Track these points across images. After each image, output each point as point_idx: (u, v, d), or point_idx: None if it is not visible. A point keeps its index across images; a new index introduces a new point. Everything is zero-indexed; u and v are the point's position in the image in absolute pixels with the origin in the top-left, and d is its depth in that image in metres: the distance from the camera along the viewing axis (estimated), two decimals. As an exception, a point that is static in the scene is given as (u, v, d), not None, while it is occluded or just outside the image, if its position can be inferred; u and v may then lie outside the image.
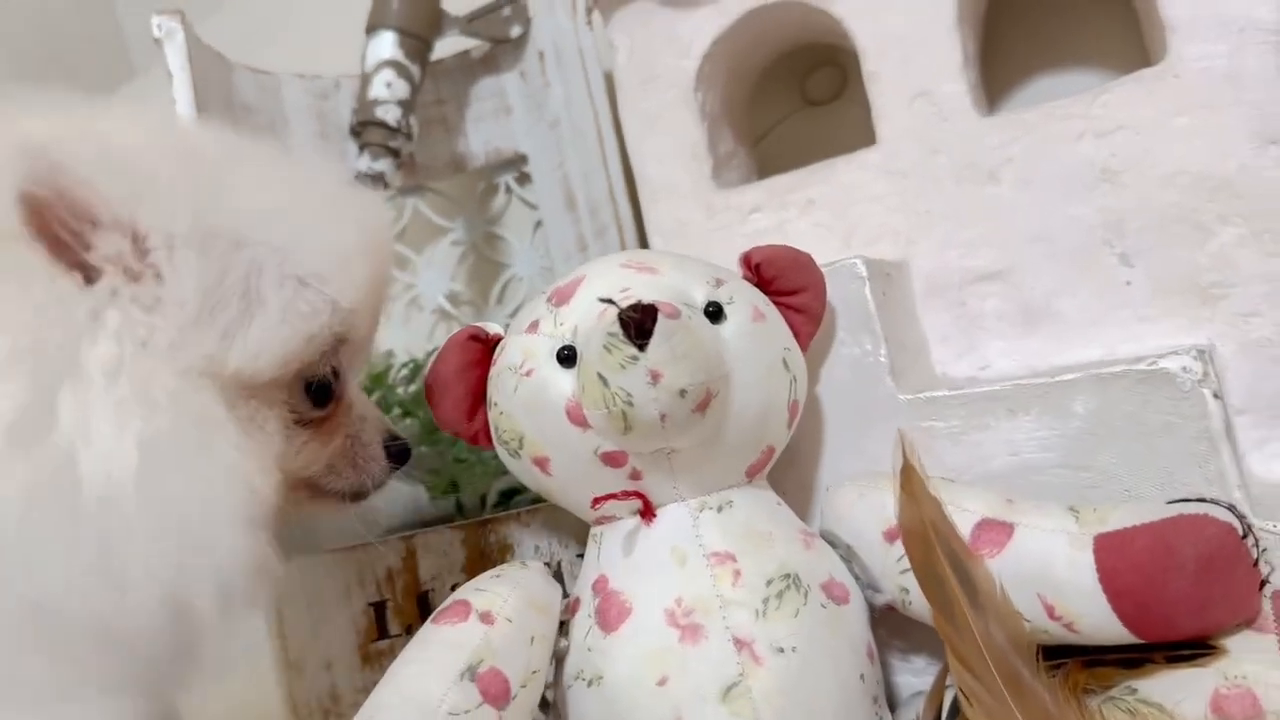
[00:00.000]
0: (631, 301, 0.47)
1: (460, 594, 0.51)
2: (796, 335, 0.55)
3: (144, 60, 1.39)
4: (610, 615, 0.50)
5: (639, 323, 0.45)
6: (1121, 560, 0.43)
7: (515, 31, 0.90)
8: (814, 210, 0.68)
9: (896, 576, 0.50)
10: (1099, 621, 0.43)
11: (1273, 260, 0.56)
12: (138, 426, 0.40)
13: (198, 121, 0.72)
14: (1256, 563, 0.43)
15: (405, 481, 0.66)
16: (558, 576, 0.55)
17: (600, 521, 0.53)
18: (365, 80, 0.84)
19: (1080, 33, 0.67)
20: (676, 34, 0.72)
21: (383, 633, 0.69)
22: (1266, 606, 0.43)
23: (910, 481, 0.44)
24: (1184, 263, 0.58)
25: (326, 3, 0.99)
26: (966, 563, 0.43)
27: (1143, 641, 0.43)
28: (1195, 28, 0.57)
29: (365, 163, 0.83)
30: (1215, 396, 0.50)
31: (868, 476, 0.53)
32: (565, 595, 0.54)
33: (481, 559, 0.67)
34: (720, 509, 0.51)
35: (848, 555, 0.53)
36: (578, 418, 0.49)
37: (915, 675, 0.56)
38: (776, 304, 0.55)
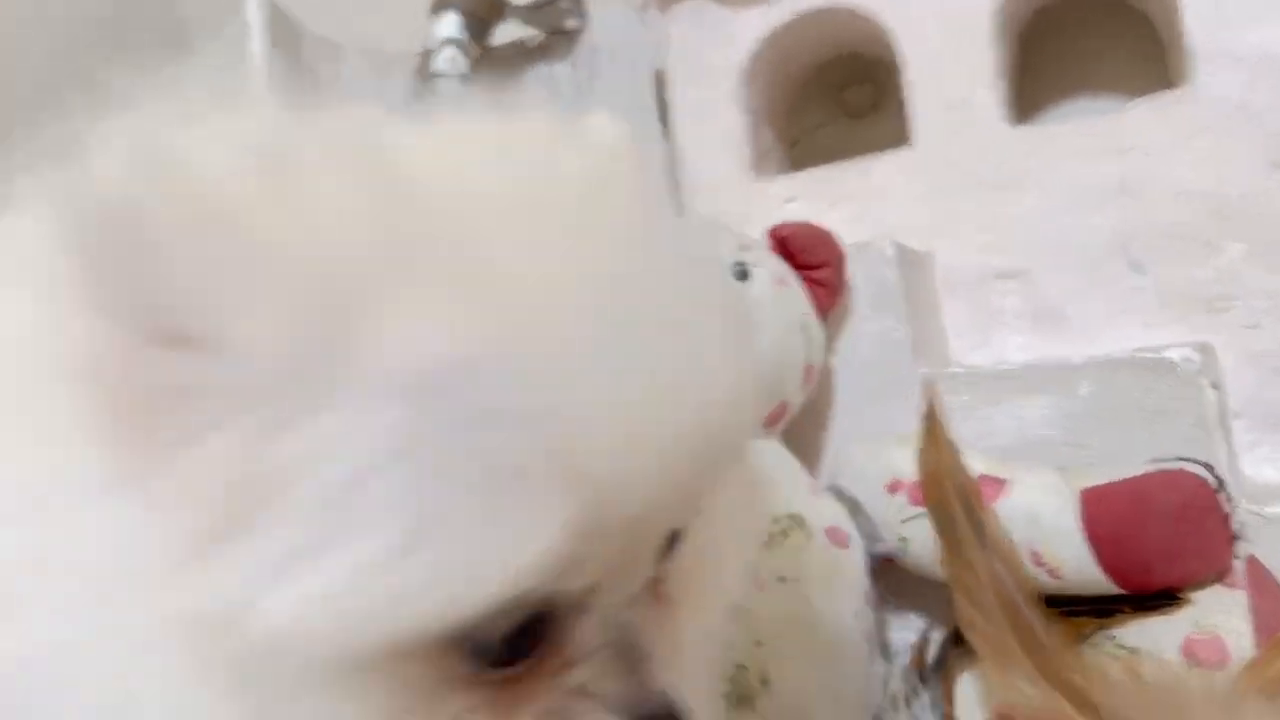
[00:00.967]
0: None
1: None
2: (817, 305, 0.59)
3: (202, 37, 1.43)
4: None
5: None
6: (1103, 509, 0.47)
7: (572, 24, 0.94)
8: (846, 204, 0.72)
9: (897, 526, 0.53)
10: (1080, 566, 0.47)
11: (1275, 277, 0.60)
12: None
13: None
14: (1228, 518, 0.46)
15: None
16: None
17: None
18: (427, 56, 0.88)
19: (1110, 55, 0.72)
20: (729, 31, 0.77)
21: None
22: (1239, 567, 0.47)
23: (932, 428, 0.47)
24: (1192, 276, 0.62)
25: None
26: (976, 505, 0.47)
27: (1119, 591, 0.47)
28: (1214, 57, 0.62)
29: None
30: (1213, 387, 0.54)
31: (876, 438, 0.57)
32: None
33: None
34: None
35: (853, 509, 0.56)
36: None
37: (910, 631, 0.59)
38: (800, 275, 0.59)
